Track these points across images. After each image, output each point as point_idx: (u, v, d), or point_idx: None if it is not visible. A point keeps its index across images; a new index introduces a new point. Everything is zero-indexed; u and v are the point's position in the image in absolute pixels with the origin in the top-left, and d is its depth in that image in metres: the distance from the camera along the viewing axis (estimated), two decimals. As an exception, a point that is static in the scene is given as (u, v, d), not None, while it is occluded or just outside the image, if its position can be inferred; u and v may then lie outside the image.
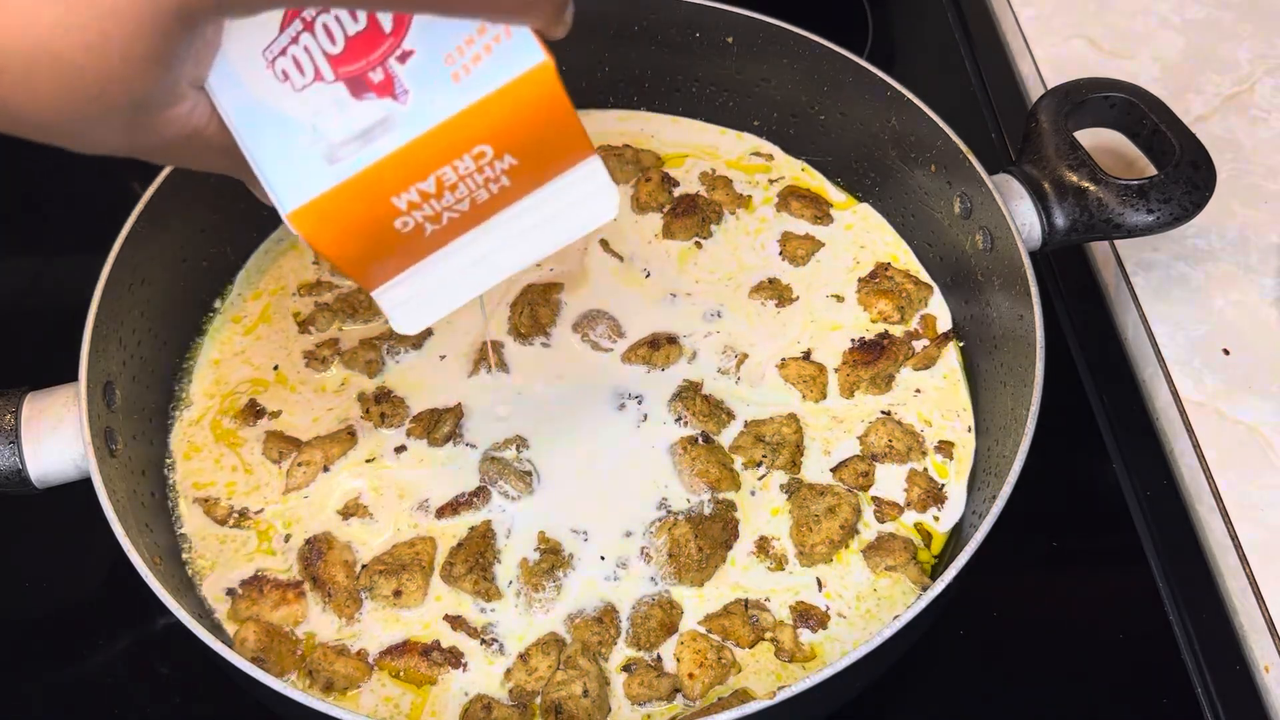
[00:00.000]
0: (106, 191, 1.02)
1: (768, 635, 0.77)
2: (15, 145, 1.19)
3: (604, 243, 0.97)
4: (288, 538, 0.80)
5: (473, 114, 0.48)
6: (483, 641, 0.76)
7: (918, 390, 0.89)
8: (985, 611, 0.84)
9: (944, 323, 0.93)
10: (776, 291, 0.94)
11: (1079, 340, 0.99)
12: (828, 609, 0.78)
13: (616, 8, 0.99)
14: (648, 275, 0.95)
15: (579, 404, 0.87)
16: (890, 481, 0.84)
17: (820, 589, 0.79)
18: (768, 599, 0.78)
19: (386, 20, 0.48)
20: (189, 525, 0.81)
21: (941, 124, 0.89)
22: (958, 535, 0.82)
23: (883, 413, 0.87)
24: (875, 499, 0.83)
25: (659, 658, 0.76)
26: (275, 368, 0.88)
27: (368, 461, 0.83)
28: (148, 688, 0.79)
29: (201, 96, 0.48)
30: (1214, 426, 0.89)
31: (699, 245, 0.97)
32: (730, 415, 0.86)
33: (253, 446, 0.84)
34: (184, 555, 0.79)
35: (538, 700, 0.73)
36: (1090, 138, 0.91)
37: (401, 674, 0.74)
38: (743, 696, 0.73)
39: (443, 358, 0.89)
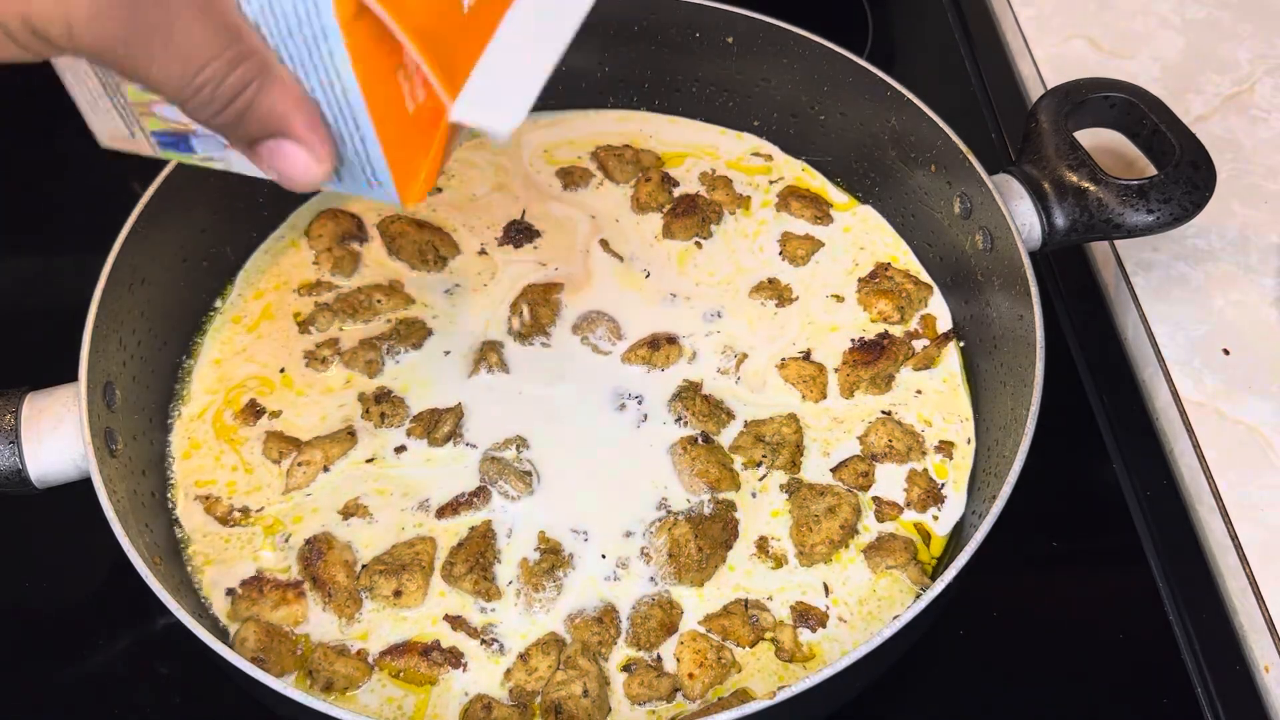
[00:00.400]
0: (106, 191, 1.02)
1: (768, 635, 0.77)
2: (15, 145, 1.20)
3: (604, 243, 0.97)
4: (288, 537, 0.80)
5: None
6: (483, 641, 0.76)
7: (918, 391, 0.89)
8: (985, 611, 0.84)
9: (944, 323, 0.93)
10: (776, 292, 0.94)
11: (1079, 340, 0.99)
12: (827, 609, 0.78)
13: (616, 8, 0.99)
14: (648, 275, 0.95)
15: (579, 404, 0.87)
16: (890, 481, 0.84)
17: (827, 594, 0.79)
18: (769, 599, 0.78)
19: None
20: (189, 525, 0.81)
21: (941, 124, 0.89)
22: (958, 535, 0.82)
23: (883, 413, 0.87)
24: (875, 499, 0.83)
25: (659, 658, 0.76)
26: (282, 370, 0.88)
27: (368, 461, 0.84)
28: (148, 688, 0.79)
29: None
30: (1214, 426, 0.89)
31: (699, 245, 0.97)
32: (730, 415, 0.86)
33: (253, 446, 0.84)
34: (184, 555, 0.79)
35: (538, 700, 0.73)
36: (1090, 138, 0.91)
37: (401, 674, 0.74)
38: (743, 696, 0.73)
39: (447, 353, 0.89)
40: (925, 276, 0.96)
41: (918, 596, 0.69)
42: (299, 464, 0.82)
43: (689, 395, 0.86)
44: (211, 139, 0.57)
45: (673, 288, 0.94)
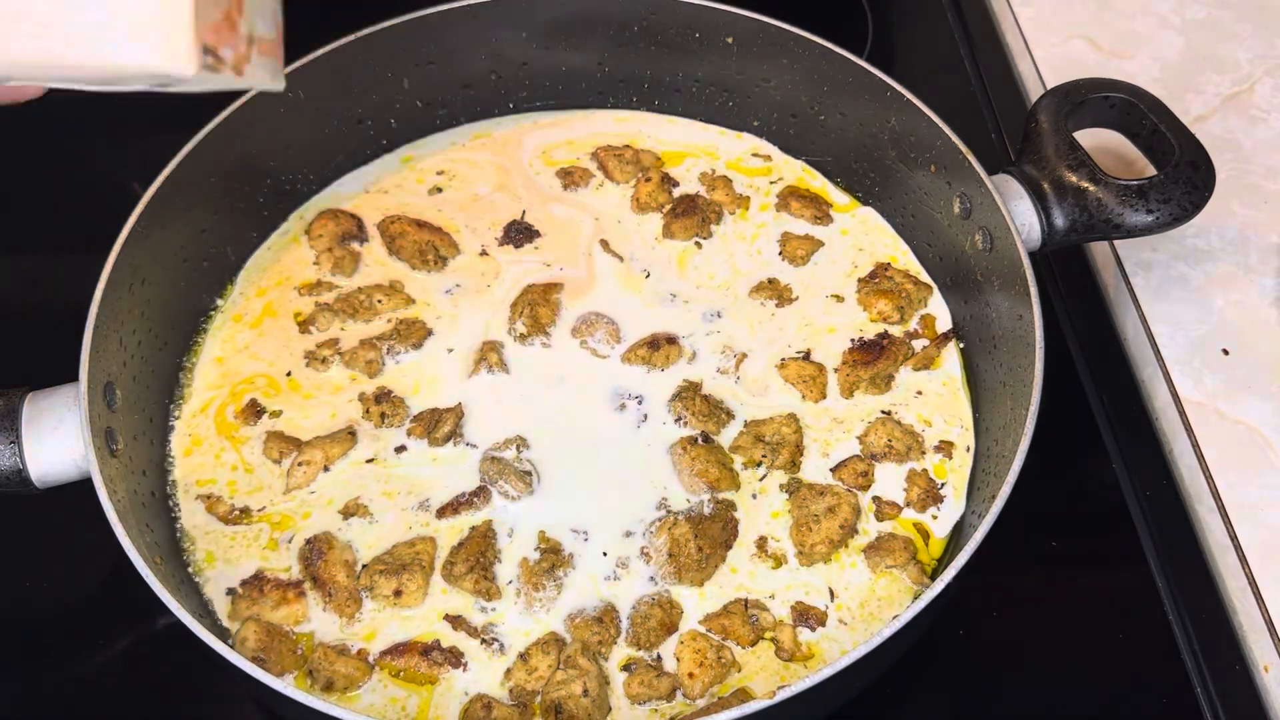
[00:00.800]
0: (106, 191, 1.02)
1: (768, 635, 0.77)
2: (15, 145, 1.19)
3: (604, 243, 0.97)
4: (289, 538, 0.80)
5: None
6: (483, 641, 0.76)
7: (918, 392, 0.89)
8: (985, 611, 0.84)
9: (943, 323, 0.93)
10: (776, 292, 0.94)
11: (1079, 340, 0.99)
12: (827, 609, 0.78)
13: (616, 8, 0.99)
14: (647, 276, 0.95)
15: (579, 404, 0.87)
16: (890, 481, 0.84)
17: (832, 599, 0.79)
18: (769, 598, 0.78)
19: None
20: (190, 524, 0.81)
21: (941, 124, 0.89)
22: (957, 535, 0.82)
23: (883, 413, 0.88)
24: (875, 499, 0.83)
25: (659, 657, 0.76)
26: (288, 374, 0.88)
27: (368, 461, 0.84)
28: (148, 688, 0.79)
29: None
30: (1214, 426, 0.89)
31: (699, 245, 0.97)
32: (730, 415, 0.86)
33: (253, 446, 0.84)
34: (184, 555, 0.79)
35: (538, 700, 0.73)
36: (1090, 138, 0.91)
37: (402, 674, 0.74)
38: (743, 696, 0.73)
39: (450, 351, 0.89)
40: (925, 277, 0.96)
41: (917, 596, 0.69)
42: (299, 464, 0.82)
43: (689, 395, 0.86)
44: None
45: (673, 288, 0.94)
